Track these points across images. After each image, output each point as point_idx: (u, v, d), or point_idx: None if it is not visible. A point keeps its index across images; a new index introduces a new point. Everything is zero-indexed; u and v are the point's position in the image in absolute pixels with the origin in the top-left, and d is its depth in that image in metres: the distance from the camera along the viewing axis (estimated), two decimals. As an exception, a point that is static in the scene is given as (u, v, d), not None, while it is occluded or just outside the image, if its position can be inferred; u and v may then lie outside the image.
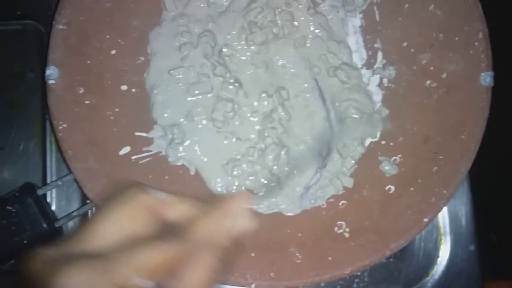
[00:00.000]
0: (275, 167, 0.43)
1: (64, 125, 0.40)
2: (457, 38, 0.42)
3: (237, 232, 0.24)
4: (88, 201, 0.45)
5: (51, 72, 0.40)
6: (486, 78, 0.41)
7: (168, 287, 0.22)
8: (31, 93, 0.49)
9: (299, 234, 0.42)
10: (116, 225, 0.23)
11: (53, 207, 0.46)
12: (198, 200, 0.25)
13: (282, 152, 0.43)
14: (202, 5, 0.45)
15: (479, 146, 0.40)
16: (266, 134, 0.43)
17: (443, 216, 0.48)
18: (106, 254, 0.21)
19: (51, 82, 0.40)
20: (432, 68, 0.43)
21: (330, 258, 0.40)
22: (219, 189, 0.43)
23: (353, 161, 0.44)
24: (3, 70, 0.49)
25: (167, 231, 0.23)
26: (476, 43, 0.41)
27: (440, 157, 0.41)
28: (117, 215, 0.23)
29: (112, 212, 0.23)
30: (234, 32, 0.45)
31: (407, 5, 0.44)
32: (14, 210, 0.41)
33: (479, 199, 0.49)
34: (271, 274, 0.39)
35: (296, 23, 0.45)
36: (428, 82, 0.43)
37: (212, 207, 0.24)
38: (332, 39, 0.44)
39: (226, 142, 0.44)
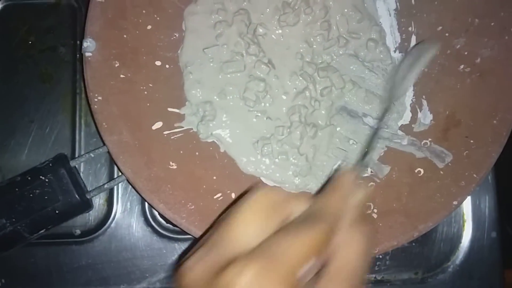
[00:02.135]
0: (302, 146, 0.44)
1: (100, 98, 0.41)
2: (492, 24, 0.42)
3: (360, 202, 0.26)
4: (118, 176, 0.46)
5: (89, 44, 0.41)
6: (521, 64, 0.41)
7: (330, 265, 0.24)
8: (62, 68, 0.49)
9: (328, 213, 0.42)
10: (254, 225, 0.24)
11: (82, 181, 0.47)
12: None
13: (308, 130, 0.43)
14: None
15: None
16: (293, 112, 0.44)
17: (466, 203, 0.48)
18: (257, 253, 0.22)
19: (88, 54, 0.41)
20: (466, 53, 0.43)
21: (359, 237, 0.40)
22: (249, 169, 0.44)
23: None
24: (36, 44, 0.50)
25: (300, 221, 0.24)
26: (512, 29, 0.41)
27: (471, 141, 0.41)
28: (252, 215, 0.24)
29: (246, 213, 0.24)
30: (268, 11, 0.45)
31: (443, -12, 0.44)
32: (47, 180, 0.41)
33: (506, 186, 0.49)
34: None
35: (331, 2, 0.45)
36: (462, 66, 0.43)
37: (329, 192, 0.26)
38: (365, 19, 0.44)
39: (256, 120, 0.44)
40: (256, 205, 0.24)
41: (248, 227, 0.24)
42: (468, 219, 0.48)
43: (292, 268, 0.22)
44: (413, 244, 0.48)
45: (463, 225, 0.48)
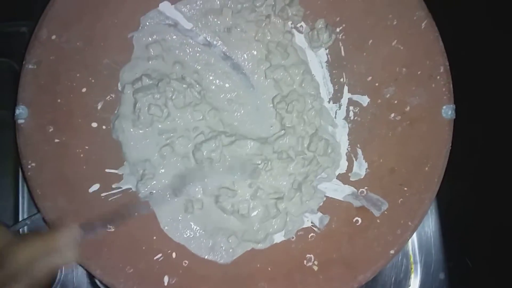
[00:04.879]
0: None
1: (33, 164, 0.40)
2: (419, 72, 0.44)
3: (54, 264, 0.26)
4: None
5: (21, 111, 0.41)
6: (448, 111, 0.42)
7: None
8: (3, 131, 0.49)
9: (269, 268, 0.42)
10: None
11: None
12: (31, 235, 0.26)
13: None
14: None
15: (447, 175, 0.41)
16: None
17: (413, 245, 0.48)
18: None
19: (20, 121, 0.41)
20: (396, 102, 0.44)
21: (299, 292, 0.40)
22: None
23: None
24: (-25, 108, 0.49)
25: None
26: (438, 77, 0.43)
27: (405, 188, 0.42)
28: None
29: None
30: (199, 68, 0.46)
31: (371, 40, 0.46)
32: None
33: (450, 227, 0.50)
34: (240, 310, 0.39)
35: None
36: (393, 115, 0.44)
37: (36, 239, 0.25)
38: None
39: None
40: None
41: None
42: (415, 261, 0.49)
43: None
44: (363, 289, 0.48)
45: (411, 268, 0.48)
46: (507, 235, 0.57)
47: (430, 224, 0.49)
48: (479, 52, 0.48)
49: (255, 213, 0.43)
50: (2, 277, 0.23)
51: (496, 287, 0.52)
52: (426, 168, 0.41)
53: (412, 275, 0.48)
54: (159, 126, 0.45)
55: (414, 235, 0.48)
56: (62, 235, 0.26)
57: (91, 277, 0.46)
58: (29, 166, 0.40)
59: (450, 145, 0.41)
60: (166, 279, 0.41)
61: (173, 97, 0.44)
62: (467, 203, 0.57)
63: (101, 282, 0.46)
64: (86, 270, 0.40)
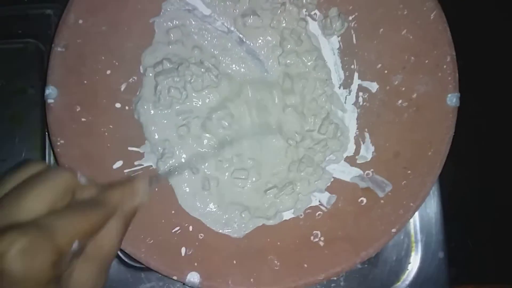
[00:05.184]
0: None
1: (62, 141, 0.44)
2: (427, 61, 0.45)
3: (135, 204, 0.30)
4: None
5: (50, 91, 0.44)
6: (453, 99, 0.44)
7: (88, 246, 0.26)
8: (31, 108, 0.52)
9: (278, 243, 0.45)
10: (43, 201, 0.25)
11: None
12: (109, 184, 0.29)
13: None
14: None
15: (451, 161, 0.44)
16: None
17: (415, 225, 0.51)
18: (37, 223, 0.24)
19: (50, 101, 0.44)
20: (403, 89, 0.46)
21: (305, 265, 0.43)
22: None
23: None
24: (5, 87, 0.52)
25: (83, 204, 0.27)
26: (444, 66, 0.44)
27: (409, 171, 0.44)
28: (45, 192, 0.25)
29: (40, 189, 0.25)
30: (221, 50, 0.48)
31: (381, 29, 0.47)
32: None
33: (452, 209, 0.52)
34: (251, 280, 0.42)
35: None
36: (400, 101, 0.46)
37: (117, 186, 0.29)
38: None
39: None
40: (51, 184, 0.26)
41: (37, 201, 0.25)
42: (416, 240, 0.51)
43: (65, 241, 0.24)
44: (366, 265, 0.51)
45: (412, 247, 0.51)
46: (507, 218, 0.59)
47: (432, 206, 0.51)
48: (487, 43, 0.50)
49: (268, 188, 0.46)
50: (103, 215, 0.27)
51: (494, 265, 0.55)
52: (430, 153, 0.44)
53: (413, 253, 0.51)
54: (177, 107, 0.47)
55: (417, 217, 0.51)
56: (140, 181, 0.30)
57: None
58: (58, 143, 0.43)
59: (453, 131, 0.44)
60: (183, 250, 0.44)
61: (192, 80, 0.46)
62: (470, 187, 0.59)
63: (124, 253, 0.50)
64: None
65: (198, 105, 0.47)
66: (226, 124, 0.46)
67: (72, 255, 0.25)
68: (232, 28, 0.49)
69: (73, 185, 0.27)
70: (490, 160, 0.57)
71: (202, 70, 0.46)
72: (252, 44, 0.49)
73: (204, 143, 0.47)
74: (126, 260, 0.50)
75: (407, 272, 0.51)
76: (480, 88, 0.49)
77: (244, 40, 0.49)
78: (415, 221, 0.51)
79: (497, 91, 0.48)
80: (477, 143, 0.51)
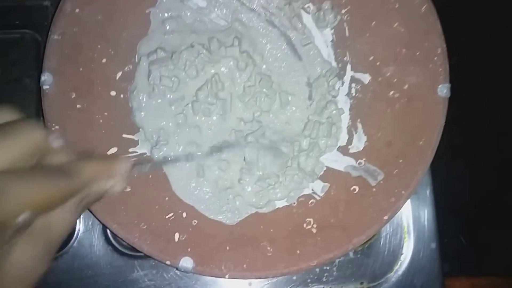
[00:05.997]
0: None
1: (57, 127, 0.44)
2: (418, 53, 0.46)
3: (107, 187, 0.26)
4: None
5: (46, 78, 0.44)
6: (443, 90, 0.45)
7: (37, 222, 0.22)
8: (27, 97, 0.53)
9: (271, 230, 0.45)
10: (3, 152, 0.22)
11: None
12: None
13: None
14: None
15: (445, 154, 0.44)
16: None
17: (407, 217, 0.51)
18: None
19: (46, 87, 0.44)
20: (395, 80, 0.47)
21: (298, 251, 0.43)
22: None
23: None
24: (2, 76, 0.53)
25: (50, 171, 0.23)
26: (435, 58, 0.45)
27: (400, 160, 0.45)
28: (7, 142, 0.22)
29: (2, 137, 0.22)
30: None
31: (374, 22, 0.48)
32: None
33: (447, 203, 0.53)
34: (244, 265, 0.43)
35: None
36: (392, 92, 0.47)
37: (95, 161, 0.25)
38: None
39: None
40: (20, 138, 0.23)
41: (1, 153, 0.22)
42: (409, 231, 0.52)
43: (13, 208, 0.20)
44: (359, 255, 0.51)
45: (405, 238, 0.52)
46: (502, 211, 0.60)
47: (424, 198, 0.52)
48: (478, 35, 0.51)
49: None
50: (68, 189, 0.23)
51: (487, 258, 0.56)
52: (421, 142, 0.44)
53: (405, 244, 0.51)
54: (171, 96, 0.48)
55: (409, 207, 0.51)
56: (122, 163, 0.26)
57: (106, 236, 0.50)
58: (53, 129, 0.44)
59: (444, 121, 0.44)
60: (176, 235, 0.44)
61: (186, 68, 0.47)
62: (463, 181, 0.60)
63: (116, 238, 0.50)
64: (103, 224, 0.44)
65: (189, 91, 0.48)
66: (215, 90, 0.47)
67: (15, 228, 0.21)
68: (229, 20, 0.50)
69: (43, 146, 0.24)
70: (484, 154, 0.57)
71: (195, 55, 0.47)
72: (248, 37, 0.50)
73: (200, 131, 0.47)
74: (119, 248, 0.50)
75: (399, 262, 0.51)
76: (477, 82, 0.50)
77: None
78: (407, 212, 0.51)
79: (494, 85, 0.49)
80: (471, 137, 0.52)
